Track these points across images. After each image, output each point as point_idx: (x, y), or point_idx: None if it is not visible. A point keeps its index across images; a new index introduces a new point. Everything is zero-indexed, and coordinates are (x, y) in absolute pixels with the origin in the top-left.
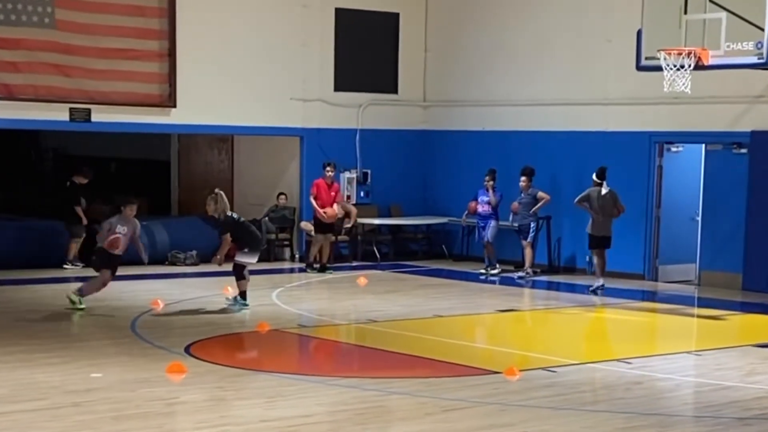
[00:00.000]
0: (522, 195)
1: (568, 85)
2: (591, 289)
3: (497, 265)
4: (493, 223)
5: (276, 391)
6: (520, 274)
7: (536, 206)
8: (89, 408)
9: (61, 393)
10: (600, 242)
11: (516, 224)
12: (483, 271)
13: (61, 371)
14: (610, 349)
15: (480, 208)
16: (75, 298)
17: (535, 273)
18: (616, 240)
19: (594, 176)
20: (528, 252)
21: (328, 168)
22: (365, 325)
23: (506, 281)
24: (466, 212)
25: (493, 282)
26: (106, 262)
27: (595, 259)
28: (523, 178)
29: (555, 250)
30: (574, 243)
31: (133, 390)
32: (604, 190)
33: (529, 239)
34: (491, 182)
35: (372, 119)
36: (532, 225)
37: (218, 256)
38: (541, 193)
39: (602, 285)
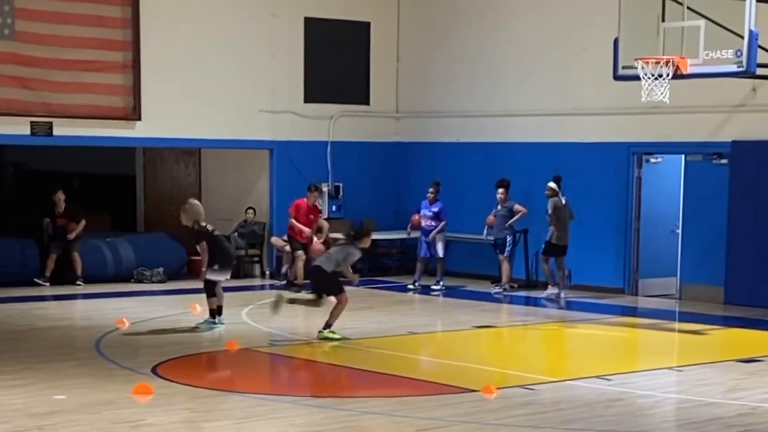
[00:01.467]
0: (498, 207)
1: (545, 95)
2: (547, 296)
3: (442, 282)
4: (440, 236)
5: (247, 413)
6: (497, 289)
7: (512, 219)
8: (53, 431)
9: (23, 416)
10: (563, 251)
11: (492, 238)
12: (411, 286)
13: (23, 393)
14: (589, 365)
15: (424, 222)
16: (328, 334)
17: (512, 288)
18: (596, 254)
19: (553, 185)
20: (505, 266)
21: (313, 190)
22: (338, 343)
23: (483, 296)
24: (410, 225)
25: (470, 297)
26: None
27: (554, 269)
28: (500, 191)
29: (533, 264)
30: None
31: (98, 412)
32: (563, 200)
33: (505, 253)
34: (435, 194)
35: (343, 131)
36: (509, 239)
37: (203, 269)
38: (517, 206)
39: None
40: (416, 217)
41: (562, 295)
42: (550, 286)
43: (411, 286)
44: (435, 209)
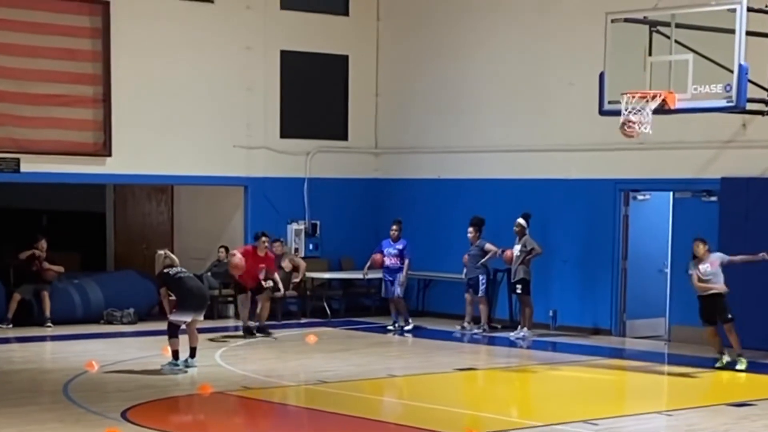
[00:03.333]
0: (471, 247)
1: (528, 131)
2: (518, 337)
3: (410, 321)
4: (401, 276)
5: None
6: (476, 330)
7: (484, 259)
8: None
9: None
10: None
11: (466, 277)
12: (391, 327)
13: None
14: (575, 409)
15: (388, 261)
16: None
17: (493, 329)
18: (581, 294)
19: (522, 222)
20: (483, 308)
21: (260, 237)
22: (315, 386)
23: (463, 338)
24: (368, 265)
25: (451, 338)
26: None
27: (527, 310)
28: (470, 229)
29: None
30: (536, 296)
31: None
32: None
33: (480, 293)
34: (397, 232)
35: (321, 167)
36: (482, 278)
37: (168, 314)
38: (488, 245)
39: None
40: (378, 256)
41: (523, 334)
42: (523, 327)
43: (390, 327)
44: (399, 247)
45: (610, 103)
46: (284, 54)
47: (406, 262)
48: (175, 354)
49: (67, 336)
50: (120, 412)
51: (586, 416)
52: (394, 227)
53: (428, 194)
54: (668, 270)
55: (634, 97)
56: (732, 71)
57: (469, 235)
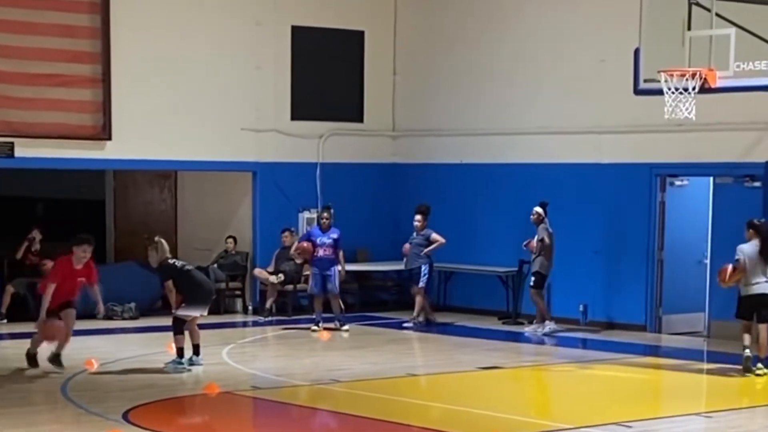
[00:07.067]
0: (414, 235)
1: (557, 112)
2: (544, 332)
3: (345, 323)
4: (337, 269)
5: None
6: (408, 323)
7: (428, 248)
8: None
9: None
10: (545, 282)
11: (407, 267)
12: (316, 328)
13: None
14: (607, 411)
15: (321, 252)
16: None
17: (428, 322)
18: (614, 287)
19: (539, 210)
20: (419, 299)
21: (83, 247)
22: (328, 385)
23: (490, 334)
24: (299, 252)
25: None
26: None
27: (541, 302)
28: (417, 217)
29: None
30: (565, 289)
31: None
32: (549, 228)
33: (420, 284)
34: (329, 219)
35: (334, 151)
36: (424, 268)
37: (173, 309)
38: (435, 235)
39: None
40: (305, 244)
41: (546, 329)
42: (547, 321)
43: (315, 328)
44: (334, 236)
45: (645, 81)
46: (295, 30)
47: (341, 253)
48: (180, 351)
49: None
50: (121, 413)
51: (618, 418)
52: (325, 215)
53: (450, 180)
54: (708, 261)
55: (672, 75)
56: None
57: (416, 223)
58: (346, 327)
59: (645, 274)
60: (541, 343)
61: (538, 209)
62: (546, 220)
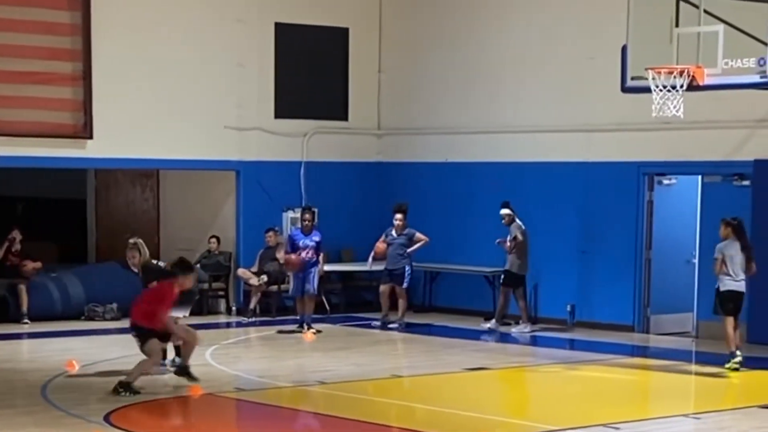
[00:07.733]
0: (395, 235)
1: (544, 110)
2: (526, 332)
3: (312, 327)
4: (316, 270)
5: None
6: (394, 324)
7: (413, 248)
8: None
9: None
10: (523, 281)
11: (389, 268)
12: (297, 328)
13: None
14: (595, 412)
15: (303, 254)
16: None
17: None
18: (602, 287)
19: (509, 211)
20: (402, 302)
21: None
22: (312, 387)
23: (475, 335)
24: (287, 265)
25: (459, 335)
26: None
27: (521, 302)
28: (398, 217)
29: (531, 299)
30: (552, 290)
31: None
32: (522, 225)
33: (404, 284)
34: (311, 222)
35: (318, 150)
36: (407, 269)
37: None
38: (419, 234)
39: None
40: (294, 258)
41: (528, 330)
42: (494, 321)
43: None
44: (316, 239)
45: (633, 79)
46: (279, 27)
47: (322, 255)
48: (163, 353)
49: (45, 333)
50: (103, 416)
51: (606, 420)
52: (307, 216)
53: (435, 179)
54: (696, 261)
55: (659, 72)
56: (766, 44)
57: (398, 222)
58: (313, 330)
59: (633, 273)
60: (532, 344)
61: (506, 210)
62: (516, 219)
